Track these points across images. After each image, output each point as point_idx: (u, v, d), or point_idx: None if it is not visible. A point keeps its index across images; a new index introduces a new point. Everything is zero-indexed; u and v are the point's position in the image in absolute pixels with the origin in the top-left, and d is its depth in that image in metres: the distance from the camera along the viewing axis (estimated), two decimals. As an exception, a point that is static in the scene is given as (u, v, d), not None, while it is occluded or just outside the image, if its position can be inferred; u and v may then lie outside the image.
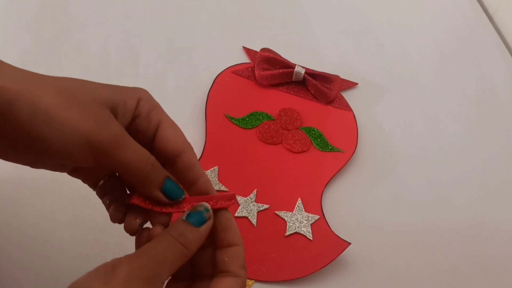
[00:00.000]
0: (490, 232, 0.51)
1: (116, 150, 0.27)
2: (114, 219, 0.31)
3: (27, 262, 0.42)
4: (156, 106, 0.30)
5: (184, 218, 0.29)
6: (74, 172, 0.32)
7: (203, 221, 0.29)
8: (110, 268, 0.26)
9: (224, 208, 0.30)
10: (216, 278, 0.29)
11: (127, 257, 0.27)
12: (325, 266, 0.45)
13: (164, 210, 0.30)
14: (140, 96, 0.30)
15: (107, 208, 0.32)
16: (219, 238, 0.30)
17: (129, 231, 0.31)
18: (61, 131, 0.26)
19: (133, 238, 0.46)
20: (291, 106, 0.55)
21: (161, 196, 0.29)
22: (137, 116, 0.29)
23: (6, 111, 0.25)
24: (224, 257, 0.30)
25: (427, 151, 0.56)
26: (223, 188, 0.48)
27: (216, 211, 0.30)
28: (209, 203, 0.30)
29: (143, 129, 0.30)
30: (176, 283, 0.31)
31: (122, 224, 0.32)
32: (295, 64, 0.57)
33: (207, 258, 0.31)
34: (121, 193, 0.32)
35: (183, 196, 0.30)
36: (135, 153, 0.28)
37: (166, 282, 0.28)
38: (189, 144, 0.30)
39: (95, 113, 0.27)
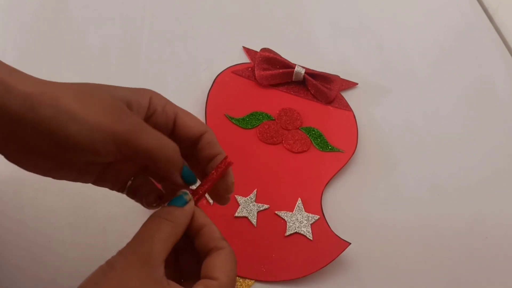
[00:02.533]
0: (490, 231, 0.51)
1: (138, 138, 0.28)
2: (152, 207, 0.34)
3: (27, 262, 0.42)
4: (168, 101, 0.32)
5: (167, 204, 0.31)
6: (99, 180, 0.33)
7: (185, 202, 0.31)
8: (106, 266, 0.28)
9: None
10: (207, 260, 0.31)
11: (120, 251, 0.29)
12: (325, 266, 0.45)
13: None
14: (151, 94, 0.32)
15: (142, 204, 0.34)
16: (190, 229, 0.32)
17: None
18: (84, 127, 0.27)
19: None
20: (291, 106, 0.55)
21: (179, 180, 0.31)
22: (153, 113, 0.31)
23: (30, 115, 0.26)
24: (202, 240, 0.31)
25: (427, 151, 0.56)
26: (223, 188, 0.48)
27: None
28: (212, 176, 0.32)
29: (162, 123, 0.32)
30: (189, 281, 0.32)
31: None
32: (295, 64, 0.57)
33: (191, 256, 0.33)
34: (150, 187, 0.34)
35: (196, 184, 0.32)
36: (157, 139, 0.29)
37: (163, 261, 0.28)
38: (207, 126, 0.33)
39: (114, 108, 0.29)
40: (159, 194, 0.34)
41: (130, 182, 0.34)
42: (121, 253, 0.29)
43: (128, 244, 0.29)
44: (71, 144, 0.27)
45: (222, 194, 0.34)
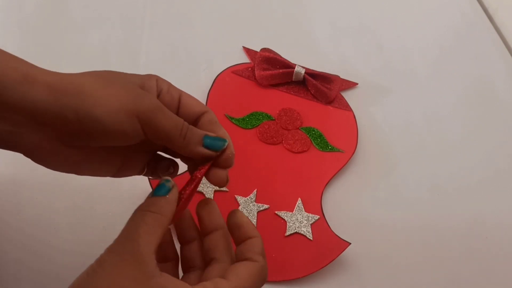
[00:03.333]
0: (490, 231, 0.51)
1: (158, 117, 0.29)
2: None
3: (27, 262, 0.42)
4: (171, 84, 0.33)
5: (150, 195, 0.31)
6: (120, 171, 0.34)
7: (168, 190, 0.30)
8: (95, 264, 0.28)
9: (234, 209, 0.33)
10: (233, 264, 0.31)
11: (108, 248, 0.29)
12: (325, 266, 0.45)
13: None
14: (156, 77, 0.33)
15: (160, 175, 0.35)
16: (235, 236, 0.32)
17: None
18: (109, 109, 0.28)
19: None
20: (291, 106, 0.55)
21: (204, 151, 0.31)
22: (159, 93, 0.32)
23: (57, 103, 0.27)
24: (242, 249, 0.31)
25: (427, 151, 0.56)
26: (223, 188, 0.48)
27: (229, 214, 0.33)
28: (196, 177, 0.32)
29: (168, 102, 0.32)
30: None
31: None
32: (295, 64, 0.57)
33: (195, 250, 0.33)
34: (168, 162, 0.36)
35: (226, 144, 0.32)
36: (173, 119, 0.30)
37: (153, 253, 0.28)
38: (207, 107, 0.34)
39: (133, 90, 0.30)
40: (171, 163, 0.35)
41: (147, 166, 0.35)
42: (109, 249, 0.28)
43: (116, 240, 0.29)
44: (100, 128, 0.28)
45: (223, 166, 0.33)
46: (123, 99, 0.29)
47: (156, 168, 0.36)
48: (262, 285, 0.31)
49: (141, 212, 0.30)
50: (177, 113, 0.33)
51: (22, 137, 0.30)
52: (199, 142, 0.31)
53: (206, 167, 0.32)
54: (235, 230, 0.32)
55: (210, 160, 0.32)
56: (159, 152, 0.36)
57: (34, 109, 0.27)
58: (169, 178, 0.31)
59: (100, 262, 0.28)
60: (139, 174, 0.36)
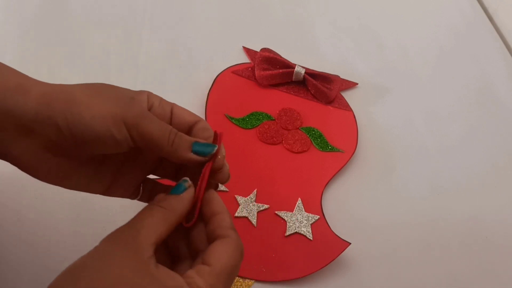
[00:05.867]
0: (490, 231, 0.51)
1: (144, 123, 0.30)
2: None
3: (27, 262, 0.42)
4: (162, 98, 0.34)
5: (166, 194, 0.31)
6: (110, 188, 0.34)
7: (183, 189, 0.31)
8: (92, 249, 0.28)
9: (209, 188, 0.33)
10: (209, 247, 0.31)
11: (107, 236, 0.29)
12: (325, 266, 0.45)
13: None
14: (147, 92, 0.33)
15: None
16: (204, 213, 0.32)
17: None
18: (97, 114, 0.29)
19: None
20: (291, 106, 0.55)
21: (194, 157, 0.32)
22: (151, 107, 0.33)
23: (47, 111, 0.29)
24: (211, 227, 0.31)
25: (427, 151, 0.56)
26: (223, 188, 0.48)
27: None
28: (207, 165, 0.32)
29: (160, 115, 0.33)
30: (179, 263, 0.33)
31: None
32: (295, 64, 0.57)
33: (201, 234, 0.33)
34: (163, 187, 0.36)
35: (215, 148, 0.32)
36: (160, 126, 0.31)
37: (152, 245, 0.28)
38: (200, 117, 0.35)
39: (121, 99, 0.31)
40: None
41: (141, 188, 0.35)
42: (108, 237, 0.29)
43: (117, 229, 0.29)
44: (88, 133, 0.29)
45: (215, 168, 0.34)
46: (112, 106, 0.30)
47: (155, 192, 0.35)
48: (242, 259, 0.31)
49: (150, 206, 0.30)
50: (170, 124, 0.33)
51: (11, 145, 0.30)
52: (188, 148, 0.31)
53: (207, 172, 0.32)
54: (205, 207, 0.32)
55: (202, 165, 0.32)
56: (154, 177, 0.36)
57: (24, 116, 0.28)
58: (187, 178, 0.32)
59: (98, 248, 0.28)
60: (132, 197, 0.36)
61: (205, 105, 0.54)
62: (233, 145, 0.52)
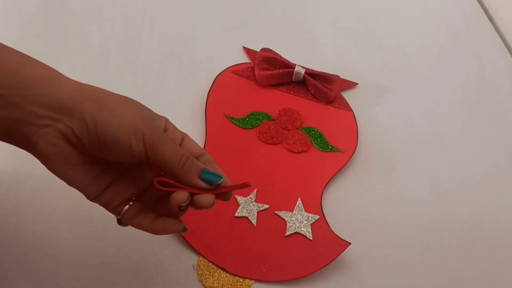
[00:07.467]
0: (490, 231, 0.51)
1: (160, 143, 0.32)
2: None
3: (26, 262, 0.42)
4: (176, 126, 0.37)
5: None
6: (104, 193, 0.34)
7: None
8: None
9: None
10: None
11: None
12: (325, 266, 0.45)
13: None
14: (165, 118, 0.36)
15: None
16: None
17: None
18: (124, 122, 0.31)
19: (133, 237, 0.46)
20: (291, 106, 0.55)
21: (200, 183, 0.34)
22: (166, 130, 0.36)
23: (79, 107, 0.30)
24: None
25: (427, 151, 0.56)
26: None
27: None
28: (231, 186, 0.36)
29: (172, 139, 0.35)
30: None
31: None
32: (295, 64, 0.57)
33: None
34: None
35: (221, 180, 0.34)
36: (174, 148, 0.33)
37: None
38: (205, 151, 0.37)
39: (145, 116, 0.33)
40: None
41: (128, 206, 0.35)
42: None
43: None
44: (110, 137, 0.31)
45: (222, 198, 0.36)
46: (137, 120, 0.32)
47: (157, 206, 0.36)
48: None
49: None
50: None
51: (40, 138, 0.30)
52: (197, 174, 0.33)
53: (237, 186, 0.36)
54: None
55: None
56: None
57: (56, 105, 0.30)
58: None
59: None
60: (114, 212, 0.35)
61: (205, 105, 0.54)
62: (233, 145, 0.52)
